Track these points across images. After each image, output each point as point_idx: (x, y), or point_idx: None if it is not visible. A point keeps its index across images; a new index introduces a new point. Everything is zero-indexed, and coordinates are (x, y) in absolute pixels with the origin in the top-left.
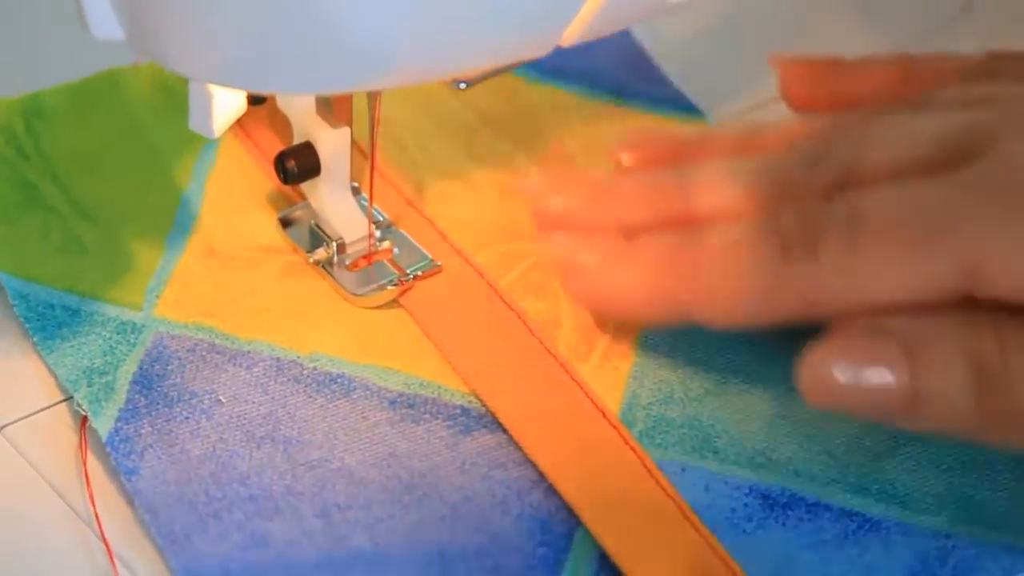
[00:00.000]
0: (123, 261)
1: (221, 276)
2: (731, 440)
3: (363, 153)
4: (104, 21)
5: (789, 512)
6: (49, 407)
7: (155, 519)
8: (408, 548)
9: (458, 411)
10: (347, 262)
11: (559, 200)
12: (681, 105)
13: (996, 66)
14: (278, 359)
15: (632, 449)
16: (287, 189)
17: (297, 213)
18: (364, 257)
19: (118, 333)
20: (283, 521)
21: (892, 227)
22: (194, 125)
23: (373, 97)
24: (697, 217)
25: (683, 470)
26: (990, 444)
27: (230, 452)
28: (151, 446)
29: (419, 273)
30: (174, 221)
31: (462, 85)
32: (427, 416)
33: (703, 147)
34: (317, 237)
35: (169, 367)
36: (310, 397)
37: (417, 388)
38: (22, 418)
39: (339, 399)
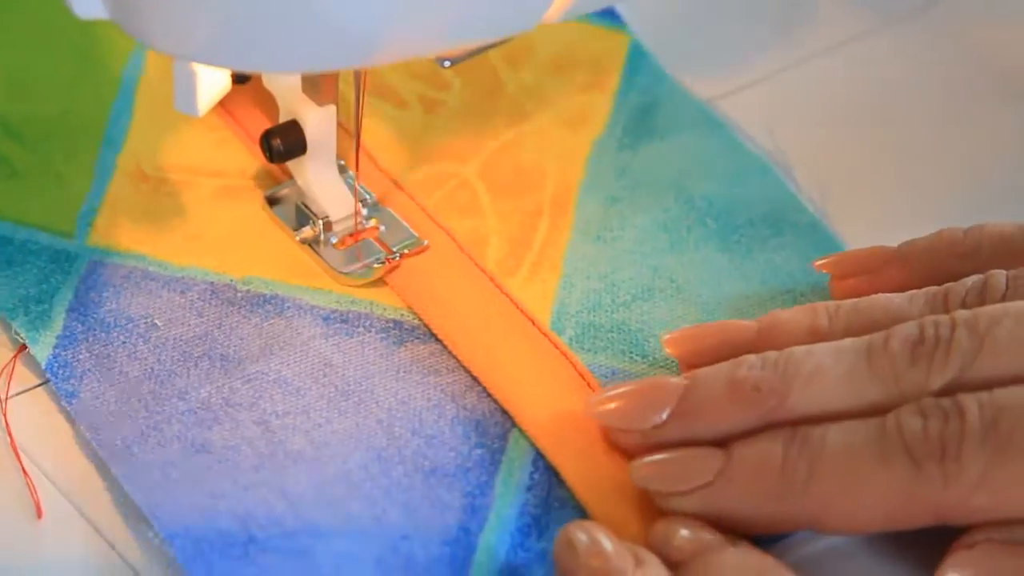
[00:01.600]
0: (53, 184)
1: (152, 202)
2: (659, 343)
3: (347, 132)
4: (87, 1)
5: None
6: (31, 388)
7: (96, 435)
8: (346, 450)
9: (391, 324)
10: (333, 240)
11: (640, 420)
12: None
13: None
14: (212, 283)
15: (563, 354)
16: (273, 167)
17: (284, 191)
18: (351, 235)
19: (53, 262)
20: (222, 430)
21: None
22: (179, 104)
23: (359, 75)
24: (793, 418)
25: (613, 373)
26: None
27: (168, 371)
28: (89, 370)
29: (405, 251)
30: (103, 138)
31: (447, 63)
32: (360, 330)
33: (771, 335)
34: (304, 215)
35: (104, 294)
36: (245, 317)
37: (349, 305)
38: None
39: (273, 317)
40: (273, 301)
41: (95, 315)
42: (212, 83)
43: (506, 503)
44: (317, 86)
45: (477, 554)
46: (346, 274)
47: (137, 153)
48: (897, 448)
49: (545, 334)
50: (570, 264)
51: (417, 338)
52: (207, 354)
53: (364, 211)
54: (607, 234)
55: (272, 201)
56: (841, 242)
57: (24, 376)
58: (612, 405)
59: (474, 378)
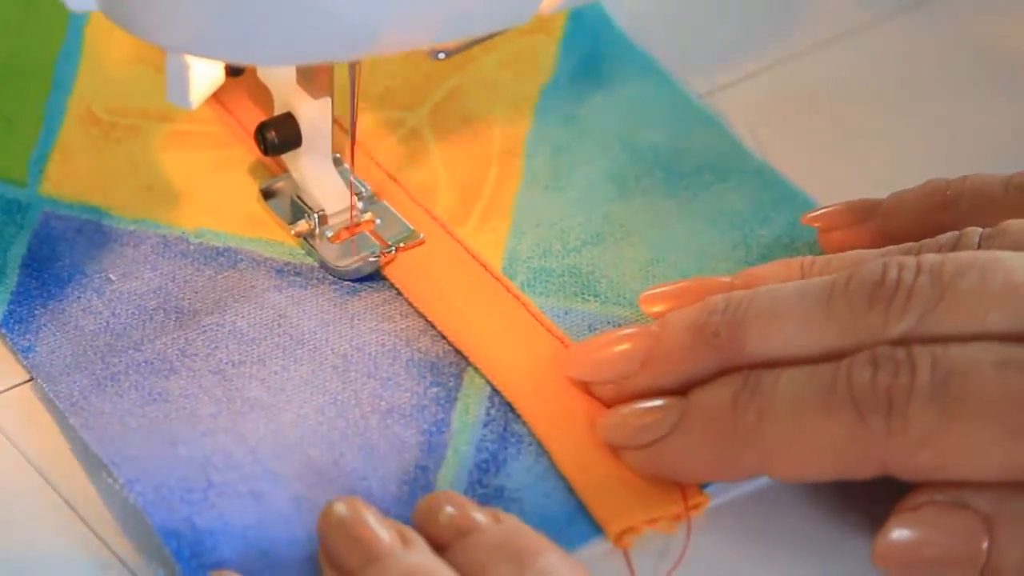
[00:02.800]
0: (3, 129)
1: (103, 148)
2: (611, 284)
3: (342, 128)
4: None
5: None
6: (26, 382)
7: (54, 386)
8: (302, 396)
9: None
10: (329, 234)
11: (606, 369)
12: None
13: None
14: (164, 236)
15: (515, 297)
16: (268, 160)
17: (279, 184)
18: (346, 229)
19: (5, 213)
20: (179, 379)
21: (989, 407)
22: (171, 97)
23: (353, 68)
24: (752, 362)
25: (566, 313)
26: None
27: (123, 325)
28: (45, 325)
29: (401, 244)
30: (52, 80)
31: (441, 55)
32: (314, 281)
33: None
34: (299, 209)
35: (58, 249)
36: (198, 270)
37: (302, 258)
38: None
39: (227, 270)
40: (226, 254)
41: (49, 271)
42: (205, 75)
43: (463, 439)
44: (312, 78)
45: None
46: (341, 268)
47: (87, 96)
48: (844, 398)
49: (497, 278)
50: (520, 212)
51: (370, 287)
52: (162, 307)
53: (360, 204)
54: (556, 183)
55: (267, 194)
56: (788, 182)
57: (11, 373)
58: (585, 360)
59: (428, 323)
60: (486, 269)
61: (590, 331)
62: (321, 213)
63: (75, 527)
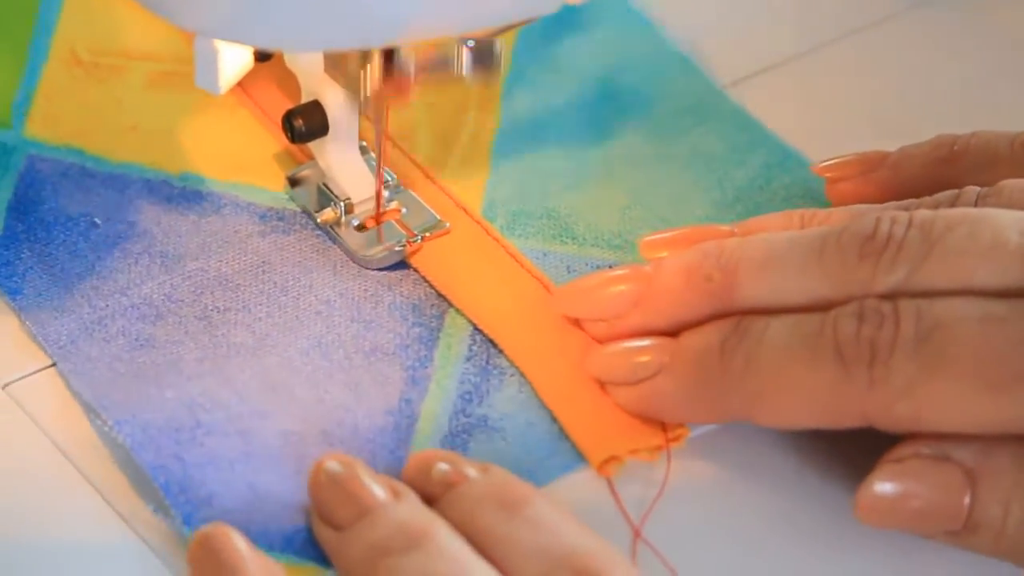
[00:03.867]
0: None
1: (87, 89)
2: (589, 227)
3: (368, 117)
4: None
5: None
6: (50, 366)
7: (43, 330)
8: (287, 340)
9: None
10: (355, 222)
11: (599, 308)
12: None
13: None
14: (148, 180)
15: (495, 239)
16: (294, 148)
17: (305, 172)
18: (372, 217)
19: None
20: (165, 325)
21: (969, 360)
22: (200, 82)
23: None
24: (742, 308)
25: (544, 255)
26: None
27: (109, 269)
28: (32, 268)
29: (427, 234)
30: (35, 21)
31: (470, 43)
32: (297, 227)
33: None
34: (325, 197)
35: (43, 193)
36: (182, 215)
37: (285, 203)
38: (24, 376)
39: (211, 215)
40: (210, 198)
41: (35, 214)
42: (234, 60)
43: (446, 373)
44: (340, 66)
45: (419, 422)
46: (367, 257)
47: (70, 36)
48: (829, 348)
49: (478, 221)
50: (498, 156)
51: (300, 181)
52: (147, 251)
53: (386, 193)
54: (533, 127)
55: (294, 182)
56: (762, 126)
57: (35, 357)
58: (579, 298)
59: (410, 267)
60: (466, 212)
61: (568, 273)
62: (347, 201)
63: (104, 512)
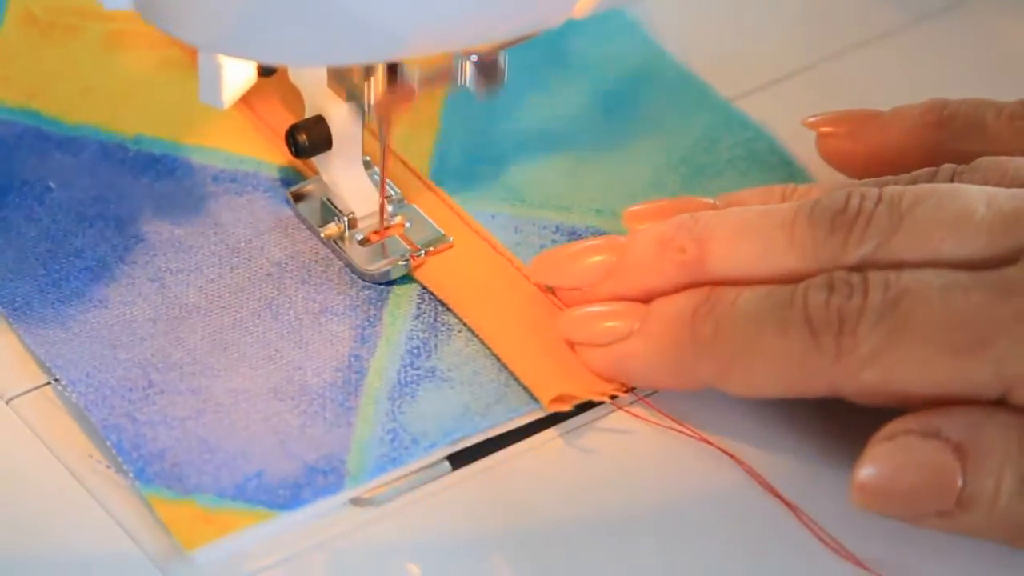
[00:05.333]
0: None
1: (42, 48)
2: (537, 189)
3: (372, 131)
4: None
5: None
6: (53, 381)
7: None
8: (239, 301)
9: (278, 183)
10: (359, 237)
11: (575, 277)
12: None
13: None
14: (103, 143)
15: (443, 201)
16: (298, 163)
17: (308, 187)
18: (376, 232)
19: None
20: (118, 286)
21: (932, 327)
22: (204, 96)
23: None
24: (714, 279)
25: (493, 217)
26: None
27: (64, 232)
28: None
29: (431, 248)
30: None
31: (473, 58)
32: (249, 188)
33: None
34: (329, 211)
35: None
36: (136, 178)
37: (238, 164)
38: (28, 391)
39: (164, 178)
40: (163, 161)
41: None
42: (237, 75)
43: (395, 330)
44: (343, 80)
45: (368, 376)
46: (371, 272)
47: None
48: (799, 318)
49: (426, 183)
50: (447, 119)
51: (303, 196)
52: (101, 215)
53: (389, 208)
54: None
55: (297, 197)
56: (707, 87)
57: (33, 375)
58: (555, 267)
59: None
60: (416, 175)
61: (516, 233)
62: (351, 216)
63: (107, 526)
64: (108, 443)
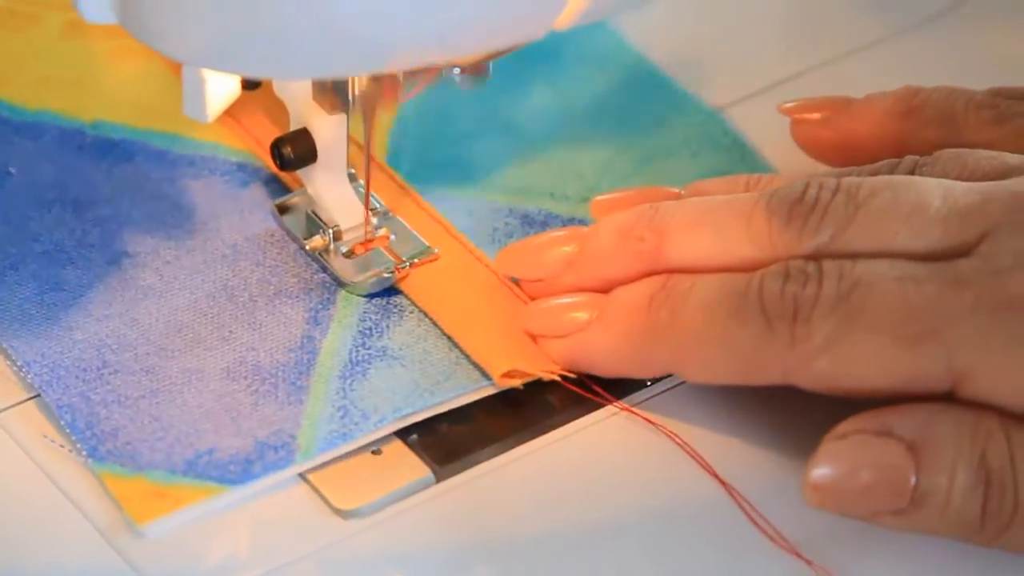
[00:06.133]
0: None
1: (2, 37)
2: (490, 174)
3: (357, 144)
4: (96, 6)
5: (546, 228)
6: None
7: None
8: (194, 283)
9: (235, 167)
10: (343, 249)
11: (538, 269)
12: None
13: (1001, 105)
14: (62, 128)
15: (399, 185)
16: (284, 175)
17: (294, 200)
18: (361, 244)
19: None
20: (75, 269)
21: (885, 316)
22: (187, 110)
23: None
24: (672, 267)
25: (447, 200)
26: (986, 545)
27: (22, 216)
28: None
29: (416, 260)
30: None
31: (456, 71)
32: (206, 172)
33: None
34: (314, 224)
35: None
36: (95, 163)
37: (195, 149)
38: (14, 405)
39: (123, 163)
40: (122, 145)
41: None
42: (222, 89)
43: (348, 312)
44: (327, 93)
45: (320, 355)
46: (356, 284)
47: None
48: (754, 306)
49: (383, 169)
50: (402, 106)
51: (260, 179)
52: (59, 199)
53: (374, 220)
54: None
55: (282, 209)
56: (662, 73)
57: (14, 391)
58: (519, 260)
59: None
60: (373, 161)
61: (469, 216)
62: (336, 229)
63: (95, 542)
64: (62, 422)
